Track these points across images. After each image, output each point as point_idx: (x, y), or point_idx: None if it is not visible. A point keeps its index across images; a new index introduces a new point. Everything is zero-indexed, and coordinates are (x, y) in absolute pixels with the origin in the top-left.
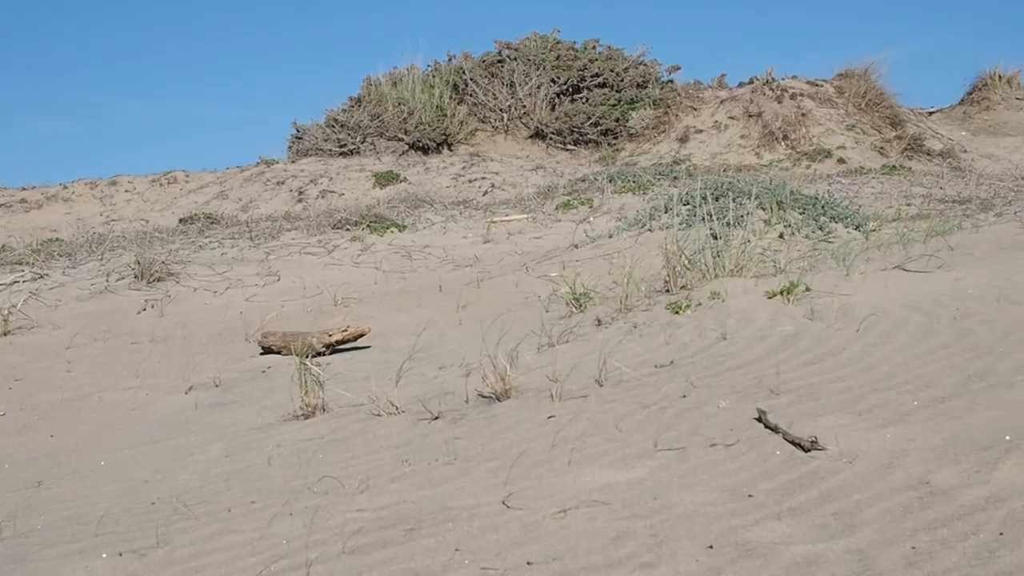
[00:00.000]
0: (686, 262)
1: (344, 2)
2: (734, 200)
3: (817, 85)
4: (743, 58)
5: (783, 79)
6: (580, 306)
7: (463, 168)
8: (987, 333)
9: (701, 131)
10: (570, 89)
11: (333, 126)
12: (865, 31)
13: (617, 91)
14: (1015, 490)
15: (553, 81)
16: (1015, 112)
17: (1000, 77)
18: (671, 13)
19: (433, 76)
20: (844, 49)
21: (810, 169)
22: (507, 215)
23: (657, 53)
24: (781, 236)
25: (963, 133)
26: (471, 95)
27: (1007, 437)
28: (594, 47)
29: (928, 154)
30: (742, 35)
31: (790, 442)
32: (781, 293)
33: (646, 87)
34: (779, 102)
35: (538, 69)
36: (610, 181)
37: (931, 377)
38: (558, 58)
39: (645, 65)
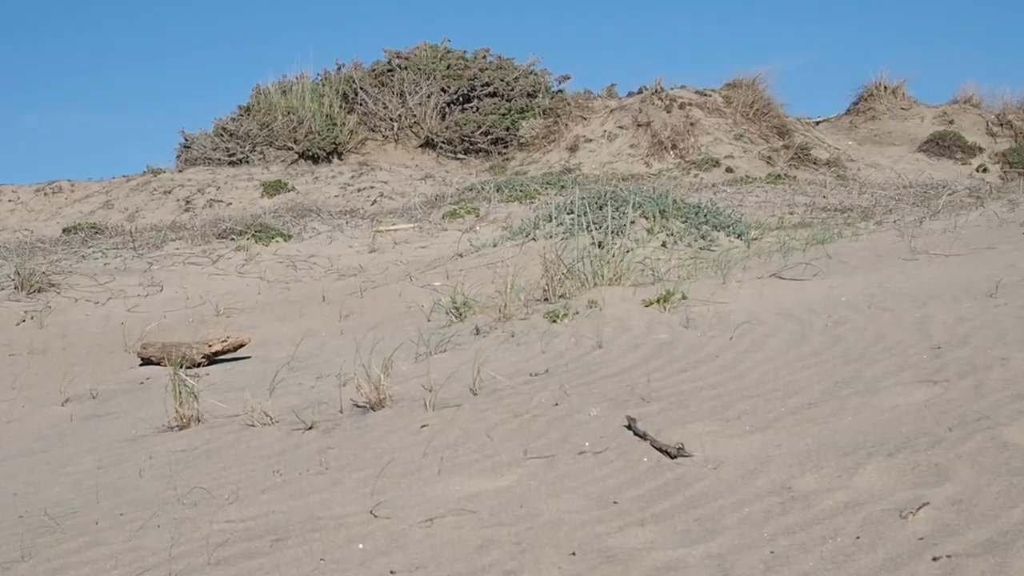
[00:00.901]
0: (565, 271)
1: (234, 10)
2: (617, 209)
3: (706, 95)
4: (633, 68)
5: (672, 89)
6: (460, 315)
7: (352, 177)
8: (857, 340)
9: (591, 140)
10: (460, 98)
11: (222, 135)
12: (754, 42)
13: (507, 100)
14: (874, 494)
15: (443, 90)
16: (900, 122)
17: (885, 87)
18: (562, 23)
19: (323, 85)
20: (733, 59)
21: (698, 178)
22: (394, 224)
23: (547, 63)
24: (663, 245)
25: (849, 142)
26: (361, 104)
27: (870, 442)
28: (484, 56)
29: (815, 163)
30: (633, 45)
31: (657, 449)
32: (658, 301)
33: (536, 96)
34: (668, 112)
35: (428, 78)
36: (497, 190)
37: (800, 384)
38: (448, 67)
39: (535, 74)
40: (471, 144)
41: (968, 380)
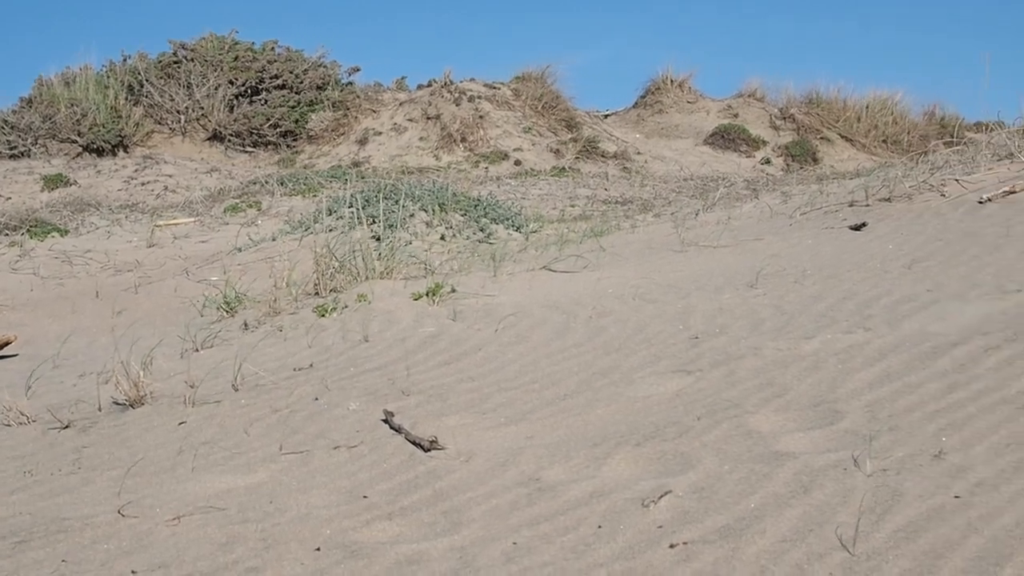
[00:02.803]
0: (336, 265)
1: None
2: (397, 202)
3: (495, 88)
4: (424, 61)
5: (462, 82)
6: (231, 310)
7: (136, 171)
8: (619, 331)
9: (380, 133)
10: (249, 91)
11: (2, 128)
12: (546, 36)
13: (297, 93)
14: (619, 484)
15: (231, 82)
16: (686, 115)
17: (672, 81)
18: (352, 14)
19: (108, 77)
20: (524, 53)
21: (487, 171)
22: (174, 218)
23: (337, 54)
24: (442, 238)
25: (637, 135)
26: (147, 96)
27: (620, 432)
28: (273, 48)
29: (603, 156)
30: (424, 38)
31: (412, 443)
32: (427, 295)
33: (326, 89)
34: (457, 104)
35: (216, 70)
36: (280, 184)
37: (559, 375)
38: (236, 59)
39: (325, 67)
40: (260, 137)
41: (721, 370)
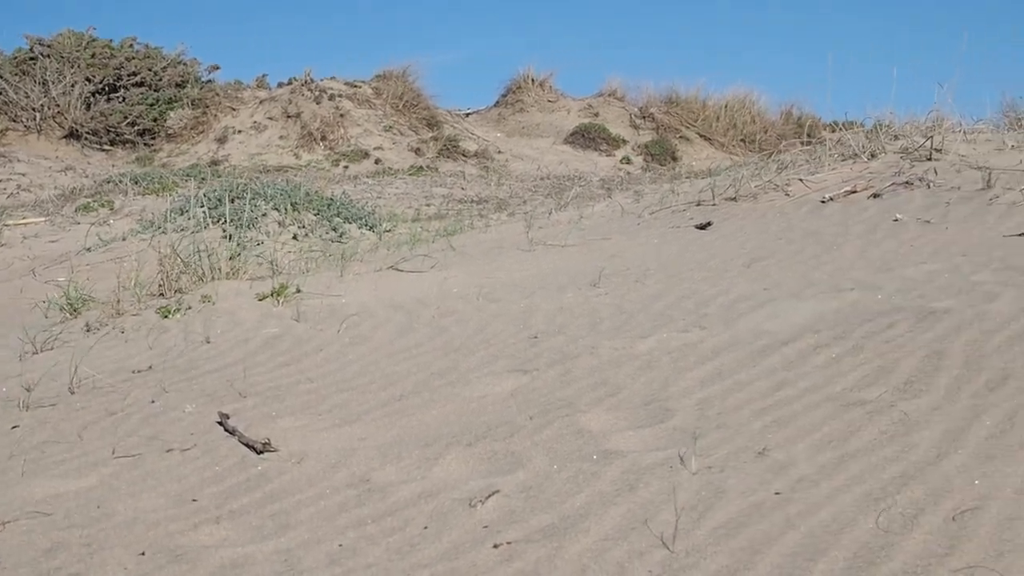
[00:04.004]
0: (181, 265)
1: None
2: (250, 202)
3: (356, 86)
4: (285, 58)
5: (322, 80)
6: (74, 312)
7: None
8: (460, 331)
9: (240, 131)
10: (107, 88)
11: None
12: (409, 34)
13: (155, 90)
14: (448, 484)
15: (88, 80)
16: (547, 114)
17: (533, 80)
18: (212, 11)
19: None
20: (386, 52)
21: (347, 170)
22: (24, 218)
23: (197, 52)
24: (295, 237)
25: (498, 134)
26: (2, 93)
27: (452, 432)
28: (131, 45)
29: (464, 155)
30: (285, 35)
31: (245, 445)
32: (272, 295)
33: (185, 87)
34: (318, 103)
35: (73, 67)
36: (134, 183)
37: (397, 376)
38: (93, 56)
39: (184, 64)
40: (117, 135)
41: (556, 369)
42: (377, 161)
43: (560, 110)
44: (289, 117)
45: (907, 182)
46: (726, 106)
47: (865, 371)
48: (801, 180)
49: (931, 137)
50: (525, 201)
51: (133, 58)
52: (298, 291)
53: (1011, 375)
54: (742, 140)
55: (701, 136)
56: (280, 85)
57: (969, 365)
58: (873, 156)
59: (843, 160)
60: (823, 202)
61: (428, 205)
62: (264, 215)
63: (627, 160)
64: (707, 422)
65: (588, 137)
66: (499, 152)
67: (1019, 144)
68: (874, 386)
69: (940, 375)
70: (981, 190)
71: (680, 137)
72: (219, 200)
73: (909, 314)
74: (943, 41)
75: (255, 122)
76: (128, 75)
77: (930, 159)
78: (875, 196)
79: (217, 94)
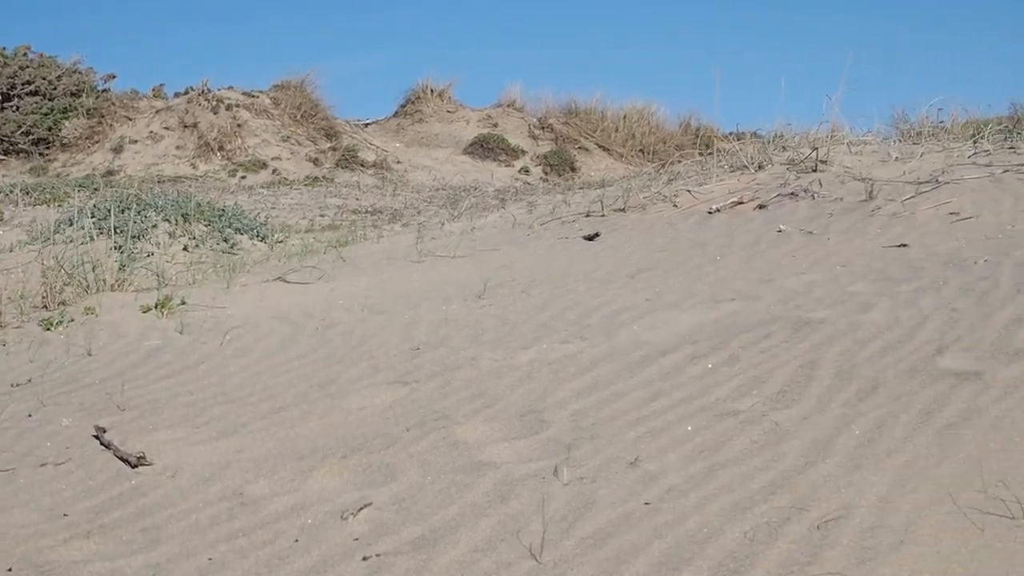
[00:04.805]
0: (65, 277)
1: None
2: (140, 212)
3: (254, 96)
4: (183, 68)
5: (220, 90)
6: None
7: None
8: (343, 343)
9: (136, 141)
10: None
11: None
12: (308, 44)
13: (50, 99)
14: (321, 497)
15: None
16: (446, 124)
17: (432, 90)
18: (108, 21)
19: None
20: (286, 62)
21: (245, 180)
22: None
23: (93, 61)
24: (185, 249)
25: (397, 144)
26: None
27: (329, 445)
28: (25, 54)
29: (362, 165)
30: (183, 45)
31: (120, 459)
32: (156, 307)
33: (80, 96)
34: (215, 113)
35: None
36: (25, 193)
37: (278, 388)
38: None
39: (80, 73)
40: (11, 145)
41: (436, 380)
42: (275, 171)
43: (459, 120)
44: (186, 127)
45: (792, 193)
46: (625, 117)
47: (740, 381)
48: (689, 191)
49: (816, 149)
50: (419, 212)
51: (27, 67)
52: (183, 303)
53: (881, 384)
54: (641, 151)
55: (600, 147)
56: (177, 95)
57: (841, 375)
58: (760, 167)
59: (731, 171)
60: (710, 213)
61: (322, 216)
62: (154, 226)
63: (526, 171)
64: (581, 433)
65: (487, 148)
66: (398, 162)
67: (903, 156)
68: (747, 396)
69: (812, 385)
70: (863, 201)
71: (579, 148)
72: (108, 211)
73: (786, 324)
74: (836, 55)
75: (151, 132)
76: (22, 84)
77: (815, 171)
78: (761, 207)
79: (113, 103)
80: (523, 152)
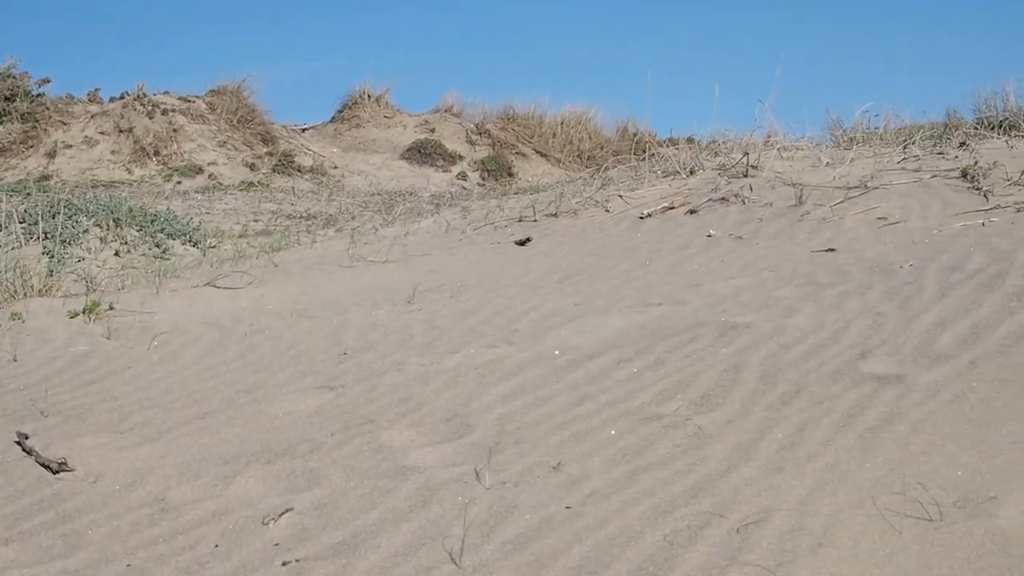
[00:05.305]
0: None
1: None
2: (71, 217)
3: (190, 101)
4: (119, 72)
5: (156, 95)
6: None
7: None
8: (271, 348)
9: (71, 146)
10: None
11: None
12: (245, 52)
13: None
14: (243, 502)
15: None
16: (384, 130)
17: (370, 96)
18: (44, 26)
19: None
20: (224, 67)
21: (180, 185)
22: None
23: (28, 66)
24: (117, 254)
25: (335, 149)
26: None
27: (253, 450)
28: None
29: (299, 170)
30: (118, 49)
31: (41, 465)
32: (84, 312)
33: (14, 100)
34: (151, 118)
35: None
36: None
37: (204, 393)
38: None
39: (14, 77)
40: None
41: (363, 385)
42: (211, 176)
43: (397, 126)
44: (122, 132)
45: (723, 198)
46: (563, 122)
47: (665, 385)
48: (621, 196)
49: (748, 154)
50: (354, 217)
51: None
52: (111, 308)
53: (804, 388)
54: (579, 156)
55: (538, 152)
56: (113, 100)
57: (765, 379)
58: (692, 173)
59: (664, 177)
60: (641, 218)
61: (256, 221)
62: (86, 231)
63: (463, 176)
64: (506, 437)
65: (424, 153)
66: (334, 167)
67: (834, 161)
68: (672, 400)
69: (736, 389)
70: (793, 206)
71: (517, 153)
72: (39, 216)
73: (712, 329)
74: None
75: (87, 137)
76: None
77: (747, 176)
78: (692, 212)
79: (48, 108)
80: (460, 157)
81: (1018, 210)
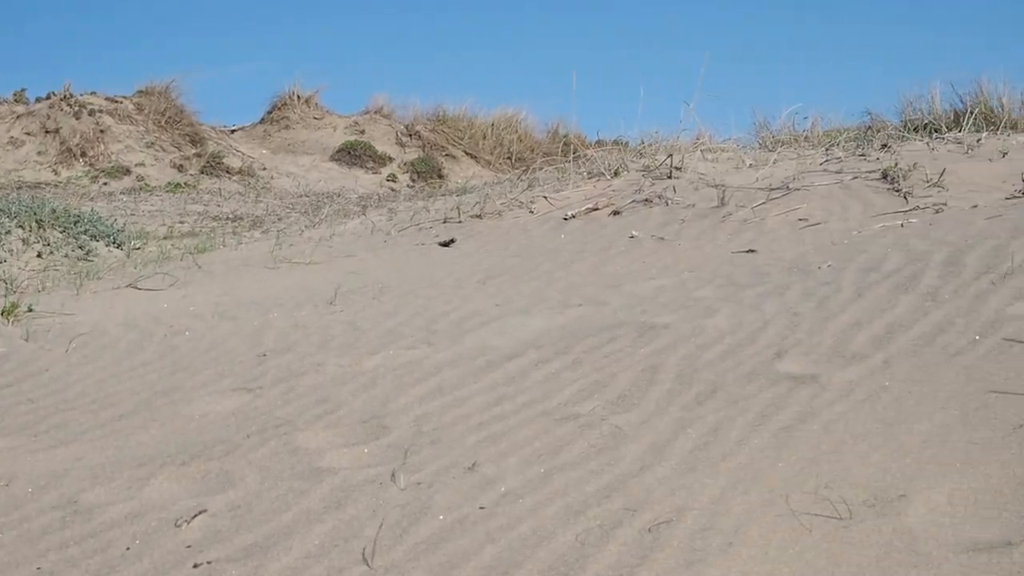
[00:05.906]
0: None
1: None
2: None
3: (117, 102)
4: (46, 73)
5: (82, 95)
6: None
7: None
8: (191, 349)
9: None
10: None
11: None
12: (175, 54)
13: None
14: (157, 505)
15: None
16: (313, 131)
17: (299, 97)
18: None
19: None
20: (154, 68)
21: (107, 186)
22: None
23: None
24: (39, 255)
25: (264, 151)
26: None
27: (168, 452)
28: None
29: (228, 171)
30: (44, 49)
31: None
32: (3, 314)
33: None
34: (77, 118)
35: None
36: None
37: (121, 395)
38: None
39: None
40: None
41: (280, 387)
42: (139, 178)
43: (326, 127)
44: (48, 132)
45: (647, 200)
46: (493, 124)
47: (582, 385)
48: (546, 198)
49: (671, 156)
50: (281, 219)
51: None
52: (30, 310)
53: (720, 388)
54: (509, 158)
55: (468, 154)
56: (39, 100)
57: (681, 379)
58: (617, 174)
59: (589, 178)
60: (565, 220)
61: (182, 222)
62: (7, 233)
63: (393, 178)
64: (422, 438)
65: (354, 155)
66: (264, 169)
67: (757, 162)
68: (589, 400)
69: (653, 389)
70: (715, 208)
71: (447, 155)
72: None
73: (630, 329)
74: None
75: (12, 137)
76: None
77: (670, 177)
78: (615, 214)
79: None
80: (390, 159)
81: (936, 211)
